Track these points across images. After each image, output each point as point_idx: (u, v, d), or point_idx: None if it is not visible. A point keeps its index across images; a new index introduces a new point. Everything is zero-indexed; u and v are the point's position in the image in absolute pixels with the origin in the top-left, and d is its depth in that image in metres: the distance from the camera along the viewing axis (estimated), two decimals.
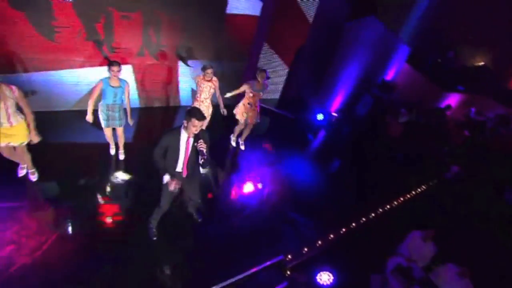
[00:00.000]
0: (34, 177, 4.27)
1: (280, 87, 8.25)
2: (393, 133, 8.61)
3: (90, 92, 4.26)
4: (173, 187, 3.39)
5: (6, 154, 4.00)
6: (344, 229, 4.82)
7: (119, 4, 5.33)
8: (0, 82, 3.47)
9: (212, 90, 5.18)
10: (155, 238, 3.89)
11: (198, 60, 6.49)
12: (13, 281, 3.14)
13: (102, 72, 5.57)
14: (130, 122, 4.60)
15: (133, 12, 5.52)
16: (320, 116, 8.05)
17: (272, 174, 5.62)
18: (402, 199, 5.86)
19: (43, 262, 3.41)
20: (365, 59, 8.14)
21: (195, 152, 3.34)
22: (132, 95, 6.29)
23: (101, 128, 4.75)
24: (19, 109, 3.75)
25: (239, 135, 6.16)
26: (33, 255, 3.45)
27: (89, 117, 4.26)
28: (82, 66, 5.56)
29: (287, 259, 4.00)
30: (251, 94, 5.43)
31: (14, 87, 3.57)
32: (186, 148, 3.33)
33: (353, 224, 4.94)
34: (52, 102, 5.63)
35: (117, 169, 4.88)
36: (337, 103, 8.60)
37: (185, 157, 3.37)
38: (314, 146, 7.12)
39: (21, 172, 4.24)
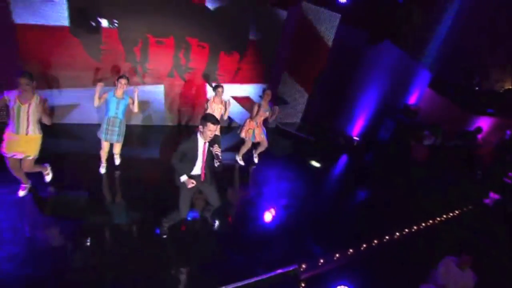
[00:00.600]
0: (48, 178, 4.41)
1: (300, 110, 8.56)
2: (419, 156, 8.45)
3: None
4: (190, 185, 3.57)
5: (12, 167, 3.98)
6: (364, 245, 4.65)
7: (155, 31, 6.19)
8: (31, 92, 3.75)
9: (222, 111, 5.41)
10: (165, 236, 3.95)
11: (221, 83, 7.07)
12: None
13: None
14: (135, 108, 4.71)
15: (166, 38, 6.34)
16: (342, 139, 8.21)
17: (288, 190, 5.64)
18: (433, 221, 5.68)
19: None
20: (385, 83, 8.34)
21: (211, 156, 3.62)
22: (161, 113, 6.96)
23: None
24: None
25: (253, 150, 6.30)
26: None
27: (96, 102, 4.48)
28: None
29: (301, 268, 3.91)
30: (259, 114, 5.69)
31: (41, 96, 3.86)
32: (203, 153, 3.59)
33: (375, 241, 4.78)
34: (92, 115, 6.37)
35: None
36: (358, 127, 8.71)
37: (202, 161, 3.62)
38: (336, 169, 7.13)
39: (22, 193, 4.12)
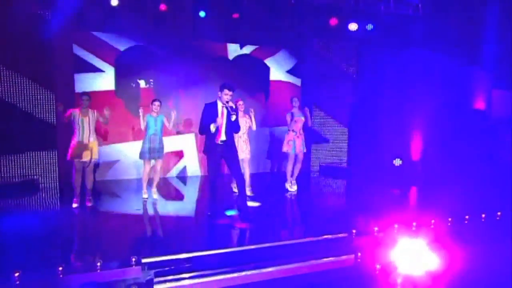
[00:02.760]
0: (90, 203, 5.19)
1: (344, 149, 8.48)
2: None
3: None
4: (219, 120, 4.17)
5: (78, 170, 5.04)
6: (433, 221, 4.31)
7: (185, 86, 7.35)
8: (88, 107, 5.06)
9: (247, 125, 5.78)
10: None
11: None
12: None
13: (169, 140, 7.03)
14: (170, 126, 5.51)
15: (195, 90, 7.41)
16: (397, 162, 7.77)
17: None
18: None
19: None
20: (431, 95, 7.81)
21: (230, 122, 4.26)
22: (193, 163, 7.53)
23: None
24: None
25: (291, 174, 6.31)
26: None
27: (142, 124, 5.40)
28: None
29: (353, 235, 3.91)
30: (293, 121, 5.96)
31: (95, 110, 5.13)
32: (222, 115, 4.25)
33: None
34: (130, 170, 7.12)
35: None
36: (417, 147, 8.11)
37: (221, 123, 4.24)
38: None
39: (75, 205, 5.06)
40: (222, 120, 4.20)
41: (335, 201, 6.21)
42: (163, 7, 6.54)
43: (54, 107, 6.20)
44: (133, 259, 3.07)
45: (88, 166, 5.01)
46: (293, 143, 5.94)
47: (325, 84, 7.84)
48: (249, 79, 7.58)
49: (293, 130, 5.95)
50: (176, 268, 3.16)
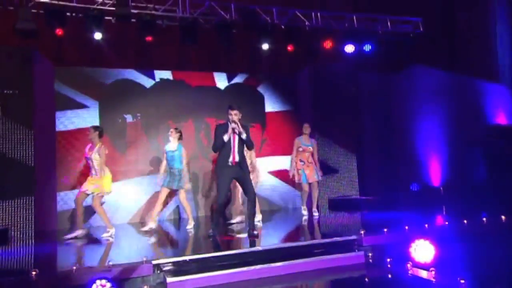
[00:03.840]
0: (108, 236, 5.15)
1: (354, 178, 7.95)
2: None
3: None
4: (231, 129, 4.39)
5: (79, 211, 5.13)
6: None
7: (175, 117, 7.09)
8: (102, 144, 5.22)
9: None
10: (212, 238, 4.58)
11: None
12: None
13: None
14: (186, 186, 5.58)
15: (185, 122, 7.17)
16: (415, 187, 7.58)
17: None
18: None
19: None
20: (445, 114, 7.60)
21: (241, 142, 4.50)
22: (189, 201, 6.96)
23: None
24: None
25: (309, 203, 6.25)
26: None
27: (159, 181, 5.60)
28: (141, 174, 6.85)
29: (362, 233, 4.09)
30: (300, 149, 5.88)
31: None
32: (233, 137, 4.47)
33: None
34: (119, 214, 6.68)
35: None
36: (435, 171, 7.75)
37: (233, 145, 4.46)
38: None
39: (107, 237, 5.12)
40: (231, 131, 4.39)
41: (347, 219, 6.18)
42: (149, 38, 6.37)
43: (32, 147, 5.82)
44: (144, 259, 3.34)
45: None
46: (303, 173, 5.89)
47: (325, 109, 7.52)
48: (243, 107, 7.22)
49: (300, 160, 5.89)
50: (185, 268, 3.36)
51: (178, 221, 6.88)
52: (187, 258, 3.51)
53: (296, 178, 6.01)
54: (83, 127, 6.57)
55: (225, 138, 4.39)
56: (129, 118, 6.89)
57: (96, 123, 6.67)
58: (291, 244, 4.05)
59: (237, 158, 4.46)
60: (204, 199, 7.27)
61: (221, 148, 4.44)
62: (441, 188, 7.59)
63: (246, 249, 3.81)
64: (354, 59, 7.27)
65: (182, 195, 5.54)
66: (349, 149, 7.82)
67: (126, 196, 6.68)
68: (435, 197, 7.46)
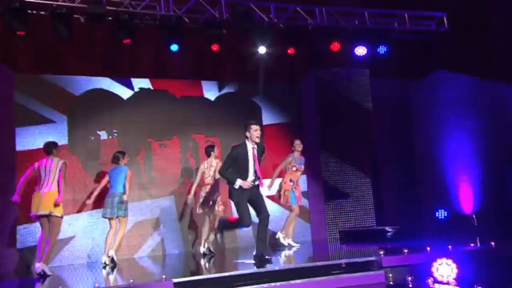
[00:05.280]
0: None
1: (369, 203, 7.21)
2: None
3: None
4: (247, 185, 4.22)
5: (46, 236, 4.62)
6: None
7: (158, 134, 6.34)
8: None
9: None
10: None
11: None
12: None
13: (139, 207, 6.03)
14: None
15: (169, 140, 6.40)
16: (442, 213, 6.99)
17: None
18: None
19: None
20: (475, 127, 6.90)
21: (258, 159, 4.37)
22: (175, 234, 6.31)
23: None
24: None
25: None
26: None
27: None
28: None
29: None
30: (294, 168, 5.55)
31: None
32: (254, 157, 4.31)
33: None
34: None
35: None
36: (466, 196, 7.11)
37: (255, 165, 4.31)
38: None
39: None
40: (248, 185, 4.25)
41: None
42: (127, 41, 5.63)
43: None
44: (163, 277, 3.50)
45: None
46: (292, 193, 5.60)
47: (332, 122, 6.91)
48: (236, 121, 6.44)
49: (290, 180, 5.62)
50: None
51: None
52: (207, 276, 3.67)
53: (282, 200, 5.72)
54: None
55: (236, 186, 4.21)
56: (103, 135, 6.14)
57: (64, 141, 5.86)
58: (310, 264, 4.21)
59: (251, 178, 4.34)
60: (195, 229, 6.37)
61: (229, 178, 4.29)
62: (474, 216, 6.89)
63: (266, 268, 3.94)
64: (366, 63, 6.73)
65: (118, 224, 5.16)
66: (362, 170, 7.10)
67: (99, 230, 5.74)
68: (466, 226, 6.78)
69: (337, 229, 6.85)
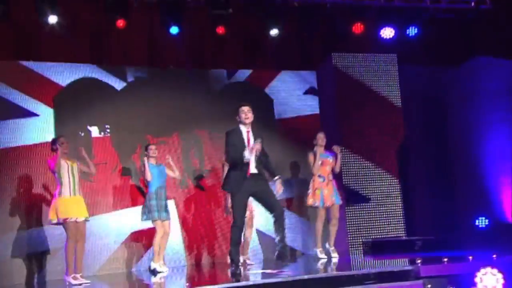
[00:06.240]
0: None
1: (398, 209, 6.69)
2: None
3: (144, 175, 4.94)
4: (256, 147, 3.97)
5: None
6: None
7: (155, 130, 5.85)
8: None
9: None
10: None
11: None
12: None
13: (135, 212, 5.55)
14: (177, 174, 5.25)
15: (169, 137, 5.91)
16: (483, 222, 6.61)
17: None
18: None
19: None
20: None
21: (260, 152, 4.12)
22: (176, 246, 5.81)
23: None
24: None
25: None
26: None
27: None
28: (115, 208, 5.64)
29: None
30: (320, 162, 5.28)
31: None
32: (248, 142, 4.04)
33: None
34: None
35: None
36: (508, 198, 6.72)
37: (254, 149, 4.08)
38: None
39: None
40: (256, 147, 4.02)
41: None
42: (120, 22, 5.23)
43: None
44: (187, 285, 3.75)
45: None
46: (321, 193, 5.26)
47: (354, 115, 6.40)
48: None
49: (319, 176, 5.28)
50: None
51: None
52: (238, 284, 3.63)
53: (311, 200, 5.32)
54: (33, 143, 5.32)
55: (246, 155, 3.94)
56: (94, 131, 5.67)
57: (51, 137, 5.22)
58: (342, 273, 4.08)
59: (253, 169, 4.08)
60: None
61: (237, 161, 4.02)
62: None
63: (297, 276, 3.86)
64: (393, 47, 6.23)
65: (168, 226, 5.09)
66: (389, 171, 6.53)
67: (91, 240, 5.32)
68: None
69: (360, 239, 6.24)
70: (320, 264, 5.12)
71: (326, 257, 5.37)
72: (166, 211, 5.00)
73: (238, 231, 4.08)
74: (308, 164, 5.38)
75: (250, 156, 3.94)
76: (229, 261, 4.20)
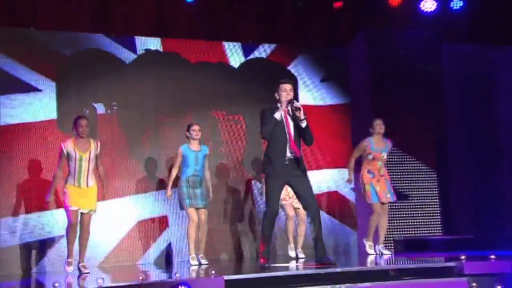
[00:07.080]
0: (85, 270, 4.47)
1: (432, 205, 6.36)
2: None
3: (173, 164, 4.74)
4: (288, 101, 3.86)
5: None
6: None
7: (167, 109, 5.53)
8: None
9: None
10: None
11: None
12: None
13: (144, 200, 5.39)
14: (210, 196, 5.12)
15: (182, 117, 5.49)
16: None
17: None
18: None
19: None
20: None
21: (298, 132, 3.89)
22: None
23: None
24: None
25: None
26: None
27: (169, 193, 4.85)
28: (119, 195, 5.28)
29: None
30: (370, 156, 5.08)
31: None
32: (287, 123, 3.89)
33: None
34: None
35: None
36: None
37: (289, 134, 3.90)
38: None
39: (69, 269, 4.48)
40: (286, 107, 3.84)
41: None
42: None
43: None
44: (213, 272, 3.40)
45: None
46: (372, 189, 5.09)
47: (389, 99, 6.10)
48: (265, 94, 5.61)
49: (369, 171, 5.12)
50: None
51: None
52: (261, 275, 3.58)
53: (365, 198, 5.19)
54: (34, 121, 5.00)
55: (277, 116, 3.84)
56: (100, 108, 5.35)
57: (53, 114, 5.06)
58: (381, 267, 4.22)
59: (289, 153, 3.89)
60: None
61: (271, 132, 3.86)
62: None
63: (332, 269, 3.81)
64: (435, 22, 5.88)
65: (204, 216, 4.90)
66: (426, 163, 6.26)
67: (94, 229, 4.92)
68: None
69: (392, 238, 5.94)
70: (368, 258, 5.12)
71: (374, 252, 5.26)
72: (202, 199, 4.80)
73: (270, 220, 3.87)
74: (354, 149, 5.21)
75: (280, 116, 3.76)
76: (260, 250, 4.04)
